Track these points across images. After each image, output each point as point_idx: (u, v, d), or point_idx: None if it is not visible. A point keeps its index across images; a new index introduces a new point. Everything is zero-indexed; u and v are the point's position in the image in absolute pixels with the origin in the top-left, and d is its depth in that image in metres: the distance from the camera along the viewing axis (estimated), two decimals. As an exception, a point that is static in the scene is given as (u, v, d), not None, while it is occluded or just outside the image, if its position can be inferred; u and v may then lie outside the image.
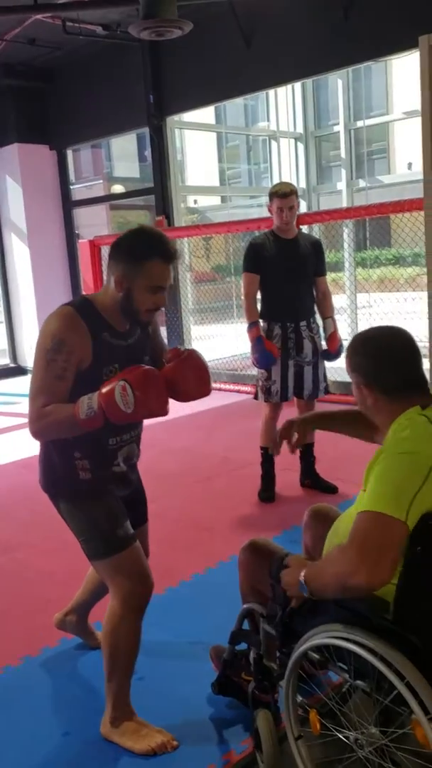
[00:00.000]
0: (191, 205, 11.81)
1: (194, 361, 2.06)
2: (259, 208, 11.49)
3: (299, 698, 1.88)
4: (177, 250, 2.04)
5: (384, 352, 1.77)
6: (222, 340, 7.98)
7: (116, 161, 15.37)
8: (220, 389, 6.82)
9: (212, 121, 10.44)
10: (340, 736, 1.75)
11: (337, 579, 1.62)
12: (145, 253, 1.99)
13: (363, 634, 1.61)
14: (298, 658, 1.80)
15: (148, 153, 8.29)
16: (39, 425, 1.97)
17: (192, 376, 2.05)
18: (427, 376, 1.93)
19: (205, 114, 9.15)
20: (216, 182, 13.43)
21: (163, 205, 7.76)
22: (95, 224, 12.07)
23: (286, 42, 6.38)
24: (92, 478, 2.12)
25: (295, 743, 1.86)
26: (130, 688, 2.14)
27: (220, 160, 13.82)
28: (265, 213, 10.51)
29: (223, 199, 13.27)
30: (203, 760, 2.03)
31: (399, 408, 1.73)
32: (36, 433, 2.01)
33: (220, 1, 6.10)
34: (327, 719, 1.81)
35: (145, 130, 7.93)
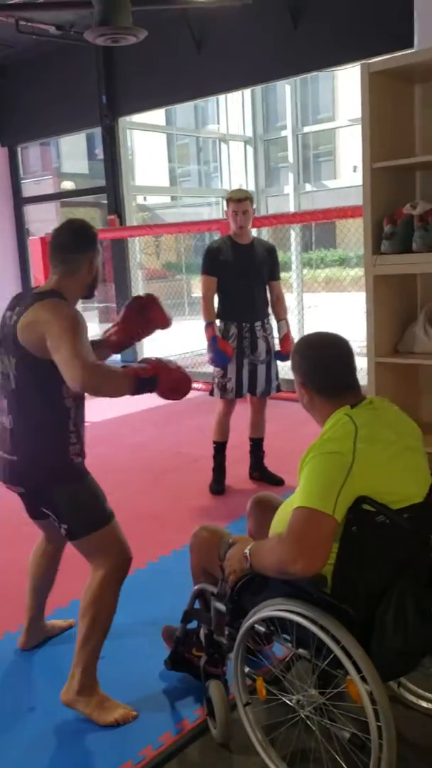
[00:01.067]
0: (141, 202, 11.90)
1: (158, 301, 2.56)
2: (209, 207, 11.66)
3: (247, 669, 2.07)
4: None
5: (320, 356, 1.97)
6: (174, 337, 8.11)
7: (65, 158, 15.31)
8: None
9: (162, 121, 10.56)
10: (285, 699, 1.94)
11: (278, 565, 1.82)
12: (95, 236, 2.33)
13: (304, 606, 1.80)
14: (246, 631, 1.98)
15: (99, 150, 8.37)
16: (96, 379, 2.06)
17: (163, 311, 2.57)
18: (364, 373, 2.14)
19: (156, 113, 9.26)
20: (166, 181, 13.52)
21: (115, 205, 7.85)
22: (44, 220, 12.04)
23: (237, 49, 6.56)
24: (81, 462, 2.30)
25: (243, 709, 2.04)
26: (98, 660, 2.29)
27: (169, 160, 13.93)
28: (215, 213, 10.71)
29: (173, 198, 13.40)
30: (160, 729, 2.20)
31: (331, 407, 1.91)
32: (93, 387, 2.07)
33: (173, 8, 6.24)
34: (272, 686, 2.00)
35: (96, 129, 8.01)
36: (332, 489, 1.76)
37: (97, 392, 2.10)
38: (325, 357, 1.97)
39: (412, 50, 2.71)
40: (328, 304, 8.46)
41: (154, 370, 2.20)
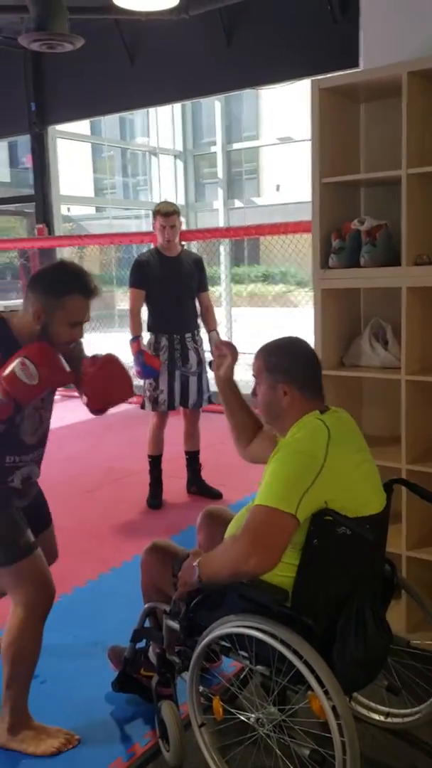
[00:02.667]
0: (64, 213, 11.74)
1: (113, 365, 2.16)
2: (137, 220, 11.61)
3: (201, 688, 2.02)
4: (97, 287, 2.08)
5: (304, 355, 1.97)
6: (102, 350, 7.98)
7: (-15, 165, 14.95)
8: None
9: (87, 131, 10.47)
10: (242, 718, 1.90)
11: (230, 565, 1.79)
12: (66, 288, 2.01)
13: (265, 621, 1.77)
14: (203, 649, 1.93)
15: (26, 159, 8.19)
16: None
17: (114, 381, 2.16)
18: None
19: (81, 124, 9.17)
20: (91, 192, 13.39)
21: (44, 213, 7.70)
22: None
23: (171, 62, 6.57)
24: (11, 488, 2.15)
25: (198, 730, 1.98)
26: (28, 693, 2.16)
27: (94, 171, 13.81)
28: (144, 225, 10.67)
29: (98, 209, 13.27)
30: (110, 755, 2.11)
31: (307, 407, 1.91)
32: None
33: (106, 17, 6.20)
34: (228, 704, 1.96)
35: (21, 137, 7.84)
36: (298, 488, 1.74)
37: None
38: (305, 354, 1.98)
39: (358, 69, 2.76)
40: (252, 318, 8.53)
41: (12, 399, 1.96)
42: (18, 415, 2.09)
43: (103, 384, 2.14)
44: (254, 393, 2.02)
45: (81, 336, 2.12)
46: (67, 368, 2.04)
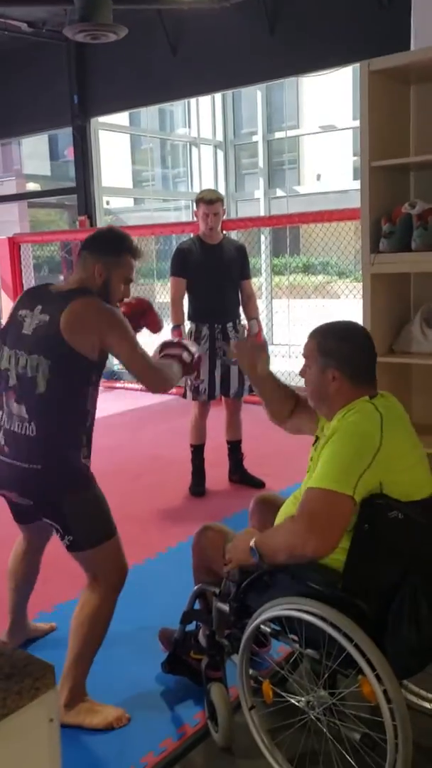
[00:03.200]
0: (104, 206, 11.82)
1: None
2: (176, 212, 11.62)
3: (251, 671, 2.02)
4: (142, 251, 2.37)
5: (361, 342, 1.95)
6: (143, 341, 8.05)
7: (26, 159, 15.12)
8: (142, 390, 6.87)
9: (126, 122, 10.51)
10: (293, 701, 1.90)
11: (288, 548, 1.79)
12: (122, 247, 2.27)
13: (316, 604, 1.77)
14: (253, 631, 1.94)
15: (68, 152, 8.27)
16: (165, 380, 2.31)
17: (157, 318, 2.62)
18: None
19: (119, 115, 9.22)
20: (129, 184, 13.45)
21: (86, 206, 7.76)
22: (6, 221, 11.85)
23: (212, 52, 6.56)
24: (89, 465, 2.24)
25: (248, 713, 1.99)
26: (88, 673, 2.21)
27: (133, 163, 13.86)
28: (183, 217, 10.68)
29: (136, 201, 13.32)
30: (161, 734, 2.13)
31: (356, 395, 1.89)
32: (163, 384, 2.33)
33: (148, 8, 6.21)
34: (278, 687, 1.96)
35: (61, 130, 7.90)
36: (355, 469, 1.73)
37: (166, 391, 2.42)
38: (360, 341, 1.96)
39: (410, 51, 2.72)
40: (294, 309, 8.48)
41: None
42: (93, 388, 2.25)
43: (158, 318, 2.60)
44: (302, 373, 2.01)
45: (129, 295, 2.36)
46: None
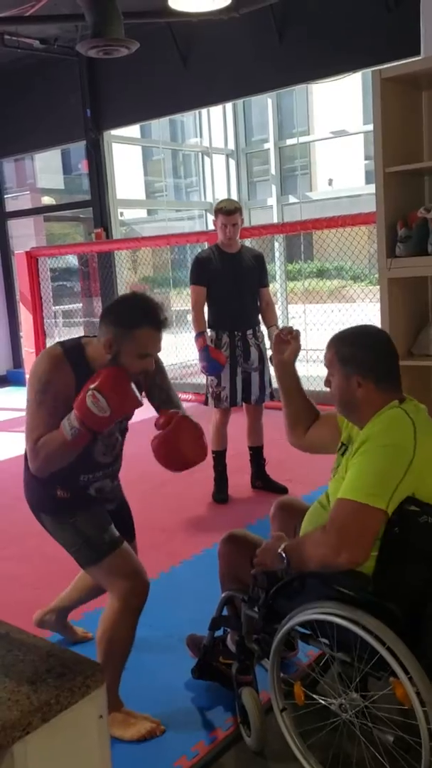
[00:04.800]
0: (119, 218, 11.92)
1: (186, 426, 2.18)
2: (189, 221, 11.69)
3: (282, 674, 2.04)
4: (167, 318, 2.10)
5: (380, 345, 1.95)
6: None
7: (40, 173, 15.27)
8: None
9: (137, 134, 10.61)
10: (325, 703, 1.92)
11: (320, 558, 1.81)
12: (136, 321, 2.04)
13: (346, 608, 1.78)
14: (284, 635, 1.96)
15: (81, 165, 8.35)
16: (38, 461, 2.07)
17: (188, 443, 2.18)
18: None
19: (130, 127, 9.32)
20: (142, 195, 13.54)
21: (101, 218, 7.84)
22: (24, 235, 11.97)
23: (223, 62, 6.62)
24: (71, 496, 2.22)
25: (280, 715, 2.01)
26: (120, 683, 2.23)
27: (145, 174, 13.96)
28: (197, 226, 10.74)
29: (149, 212, 13.41)
30: (193, 739, 2.16)
31: (384, 400, 1.89)
32: (38, 470, 2.11)
33: (157, 21, 6.28)
34: (309, 690, 1.98)
35: (74, 144, 8.00)
36: (390, 483, 1.74)
37: (46, 471, 2.11)
38: (381, 345, 1.95)
39: (418, 58, 2.74)
40: (309, 314, 8.48)
41: (88, 430, 2.00)
42: (94, 439, 2.15)
43: (174, 447, 2.17)
44: (327, 384, 2.00)
45: (152, 367, 2.11)
46: (136, 395, 2.05)
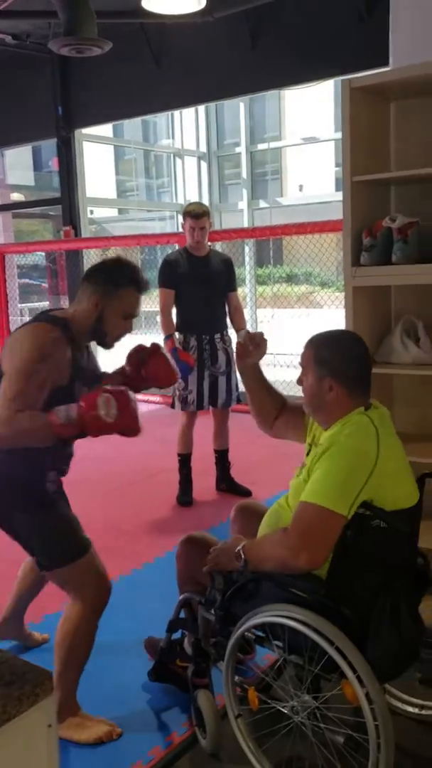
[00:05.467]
0: (88, 215, 11.86)
1: (162, 355, 2.39)
2: (160, 222, 11.68)
3: (236, 678, 2.05)
4: (147, 282, 2.20)
5: (358, 354, 1.97)
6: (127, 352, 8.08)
7: (10, 169, 15.11)
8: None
9: (110, 133, 10.57)
10: (278, 707, 1.93)
11: (279, 558, 1.84)
12: (123, 280, 2.13)
13: (298, 610, 1.80)
14: (238, 639, 1.97)
15: (52, 162, 8.29)
16: (8, 428, 1.94)
17: (166, 366, 2.39)
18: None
19: (103, 127, 9.28)
20: (113, 194, 13.50)
21: (71, 216, 7.79)
22: (-9, 232, 11.82)
23: (195, 65, 6.63)
24: (55, 490, 2.21)
25: (235, 721, 2.02)
26: (77, 687, 2.21)
27: (117, 173, 13.92)
28: (168, 227, 10.73)
29: (120, 211, 13.37)
30: (149, 743, 2.15)
31: (352, 405, 1.91)
32: (1, 436, 1.98)
33: (131, 21, 6.27)
34: (263, 694, 1.99)
35: (45, 141, 7.93)
36: (353, 489, 1.77)
37: (6, 444, 2.01)
38: (357, 352, 1.97)
39: (388, 68, 2.78)
40: (276, 318, 8.56)
41: (81, 427, 1.97)
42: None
43: (160, 365, 2.35)
44: (300, 382, 2.02)
45: (131, 330, 2.20)
46: (140, 420, 2.09)
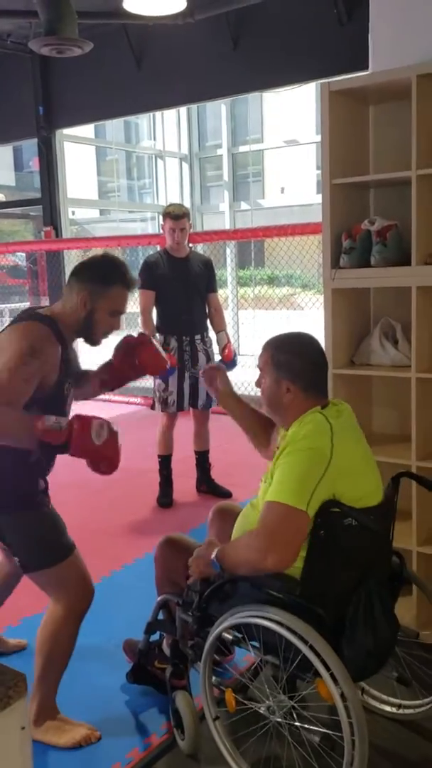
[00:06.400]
0: (69, 216, 11.81)
1: (151, 343, 2.41)
2: (142, 223, 11.66)
3: (213, 679, 2.05)
4: (135, 279, 2.22)
5: (313, 356, 2.00)
6: (109, 352, 8.06)
7: (-11, 169, 15.03)
8: (108, 400, 6.90)
9: (91, 134, 10.55)
10: (254, 707, 1.94)
11: (249, 561, 1.84)
12: (112, 278, 2.14)
13: (273, 610, 1.81)
14: (215, 640, 1.97)
15: (32, 162, 8.25)
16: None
17: (156, 354, 2.40)
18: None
19: (85, 127, 9.26)
20: (95, 195, 13.46)
21: (51, 217, 7.75)
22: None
23: (177, 66, 6.63)
24: (44, 489, 2.18)
25: (213, 723, 2.02)
26: (57, 690, 2.20)
27: (98, 174, 13.88)
28: (149, 228, 10.72)
29: (102, 212, 13.33)
30: (127, 745, 2.14)
31: (308, 405, 1.94)
32: None
33: (113, 22, 6.26)
34: (240, 696, 1.99)
35: (26, 141, 7.89)
36: (308, 484, 1.79)
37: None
38: (313, 354, 2.00)
39: (367, 72, 2.80)
40: (259, 320, 8.57)
41: (68, 437, 1.94)
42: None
43: (151, 354, 2.36)
44: (258, 383, 2.05)
45: (118, 327, 2.20)
46: (119, 461, 2.09)
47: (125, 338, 2.40)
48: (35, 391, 2.02)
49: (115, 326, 2.19)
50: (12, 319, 2.19)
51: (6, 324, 2.14)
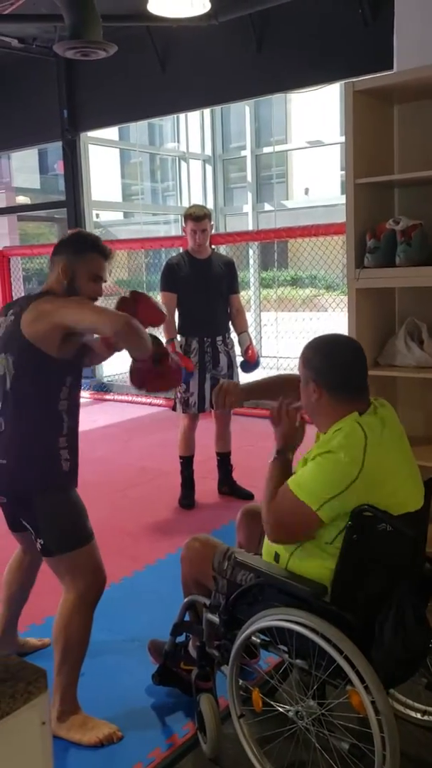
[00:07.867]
0: (94, 219, 11.88)
1: (145, 295, 2.50)
2: (165, 226, 11.69)
3: (240, 681, 2.04)
4: (112, 251, 2.36)
5: (341, 355, 1.95)
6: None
7: (16, 172, 15.17)
8: (131, 402, 6.93)
9: (115, 136, 10.60)
10: (281, 710, 1.92)
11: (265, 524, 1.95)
12: (86, 247, 2.28)
13: (306, 615, 1.79)
14: (244, 641, 1.96)
15: (57, 165, 8.31)
16: (130, 322, 2.09)
17: (153, 305, 2.49)
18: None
19: (108, 130, 9.30)
20: (119, 198, 13.52)
21: (76, 219, 7.80)
22: (-2, 234, 11.87)
23: (201, 68, 6.63)
24: (70, 470, 2.23)
25: (237, 721, 2.01)
26: (78, 682, 2.22)
27: (122, 176, 13.94)
28: (173, 231, 10.73)
29: (125, 215, 13.39)
30: (150, 745, 2.15)
31: (340, 410, 1.88)
32: (126, 324, 2.08)
33: (137, 25, 6.28)
34: (267, 697, 1.98)
35: (51, 144, 7.94)
36: (328, 492, 1.78)
37: (129, 339, 2.12)
38: (343, 355, 1.96)
39: (392, 71, 2.78)
40: (280, 322, 8.55)
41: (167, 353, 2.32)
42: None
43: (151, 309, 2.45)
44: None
45: (102, 294, 2.31)
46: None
47: (120, 298, 2.45)
48: (71, 358, 2.20)
49: (98, 291, 2.30)
50: (17, 307, 2.24)
51: (14, 312, 2.23)
